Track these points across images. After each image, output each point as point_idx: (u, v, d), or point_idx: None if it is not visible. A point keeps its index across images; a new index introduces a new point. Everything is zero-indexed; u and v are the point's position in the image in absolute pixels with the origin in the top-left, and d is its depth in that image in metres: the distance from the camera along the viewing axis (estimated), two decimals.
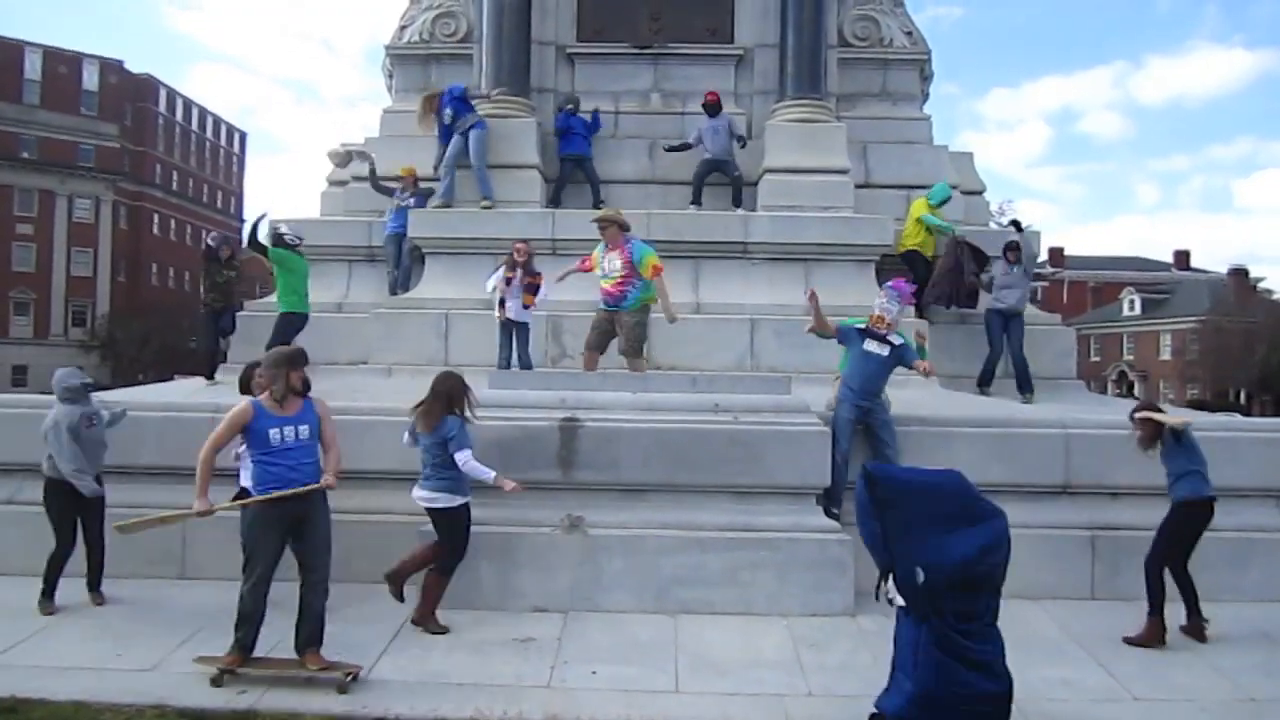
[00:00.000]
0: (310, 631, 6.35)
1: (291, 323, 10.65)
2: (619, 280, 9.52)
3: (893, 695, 5.48)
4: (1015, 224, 11.87)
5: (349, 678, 6.13)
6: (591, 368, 9.67)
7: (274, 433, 6.23)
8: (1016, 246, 11.49)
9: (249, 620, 6.28)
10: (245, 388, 8.18)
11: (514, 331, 10.38)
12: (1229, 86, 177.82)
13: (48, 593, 7.57)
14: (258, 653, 6.39)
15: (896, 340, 8.68)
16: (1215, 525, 8.18)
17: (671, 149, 12.93)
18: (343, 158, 13.99)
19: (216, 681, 6.11)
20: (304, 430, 6.33)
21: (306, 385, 6.46)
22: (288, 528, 6.31)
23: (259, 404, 6.33)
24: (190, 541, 8.49)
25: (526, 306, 10.34)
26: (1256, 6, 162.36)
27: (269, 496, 6.24)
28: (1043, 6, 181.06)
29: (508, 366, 10.32)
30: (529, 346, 10.53)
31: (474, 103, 12.67)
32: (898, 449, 8.40)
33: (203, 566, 8.30)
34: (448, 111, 12.48)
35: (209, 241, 11.96)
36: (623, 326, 9.58)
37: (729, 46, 13.94)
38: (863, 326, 8.71)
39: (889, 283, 9.11)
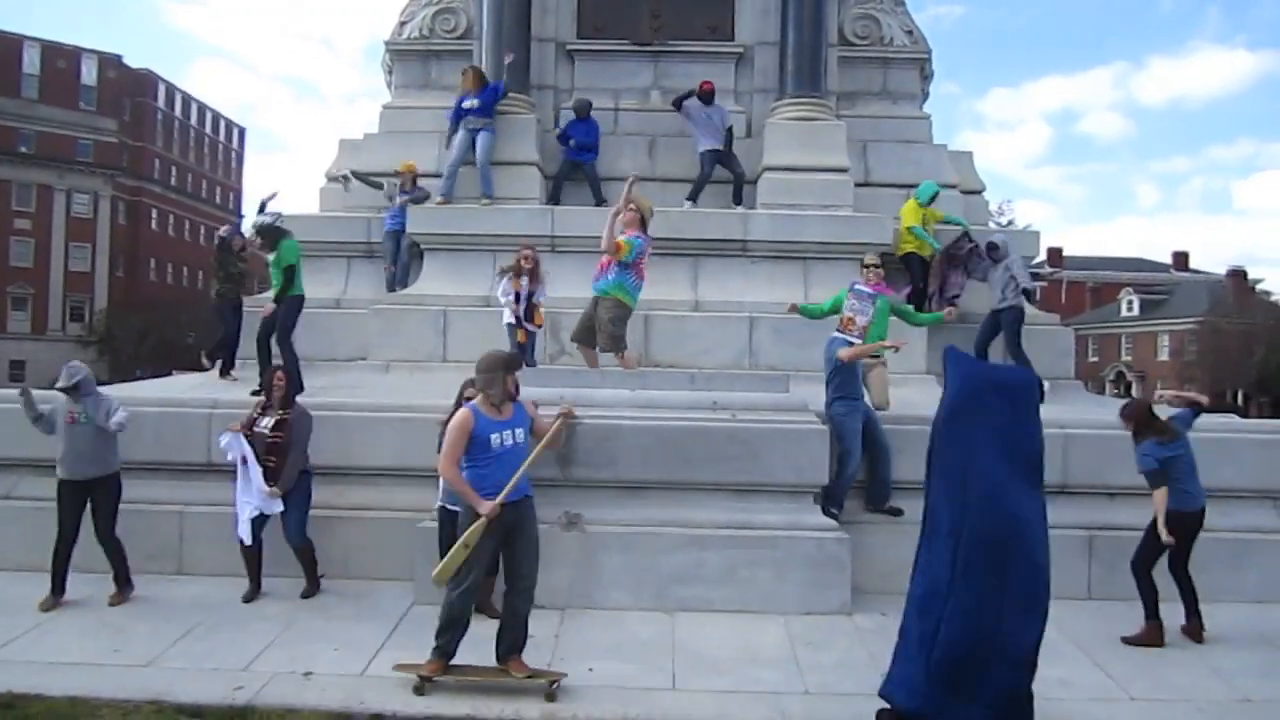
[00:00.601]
0: (515, 638, 6.25)
1: (298, 308, 10.46)
2: (604, 264, 9.44)
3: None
4: (991, 245, 11.80)
5: (554, 685, 6.06)
6: (592, 364, 9.65)
7: (494, 438, 6.10)
8: (994, 245, 11.49)
9: (454, 627, 6.19)
10: (269, 389, 8.16)
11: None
12: (1230, 88, 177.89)
13: (55, 587, 7.55)
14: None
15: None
16: (1213, 526, 8.20)
17: (678, 100, 12.80)
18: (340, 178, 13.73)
19: (419, 690, 6.01)
20: (519, 433, 6.24)
21: (517, 388, 6.40)
22: (503, 535, 6.19)
23: (477, 409, 6.17)
24: (187, 537, 8.49)
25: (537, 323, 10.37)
26: (1258, 8, 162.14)
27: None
28: (1044, 6, 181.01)
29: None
30: (534, 351, 10.52)
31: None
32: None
33: (200, 562, 8.31)
34: (474, 101, 12.45)
35: (221, 233, 11.71)
36: (599, 322, 9.40)
37: (729, 44, 13.92)
38: (855, 339, 8.74)
39: (856, 283, 9.11)
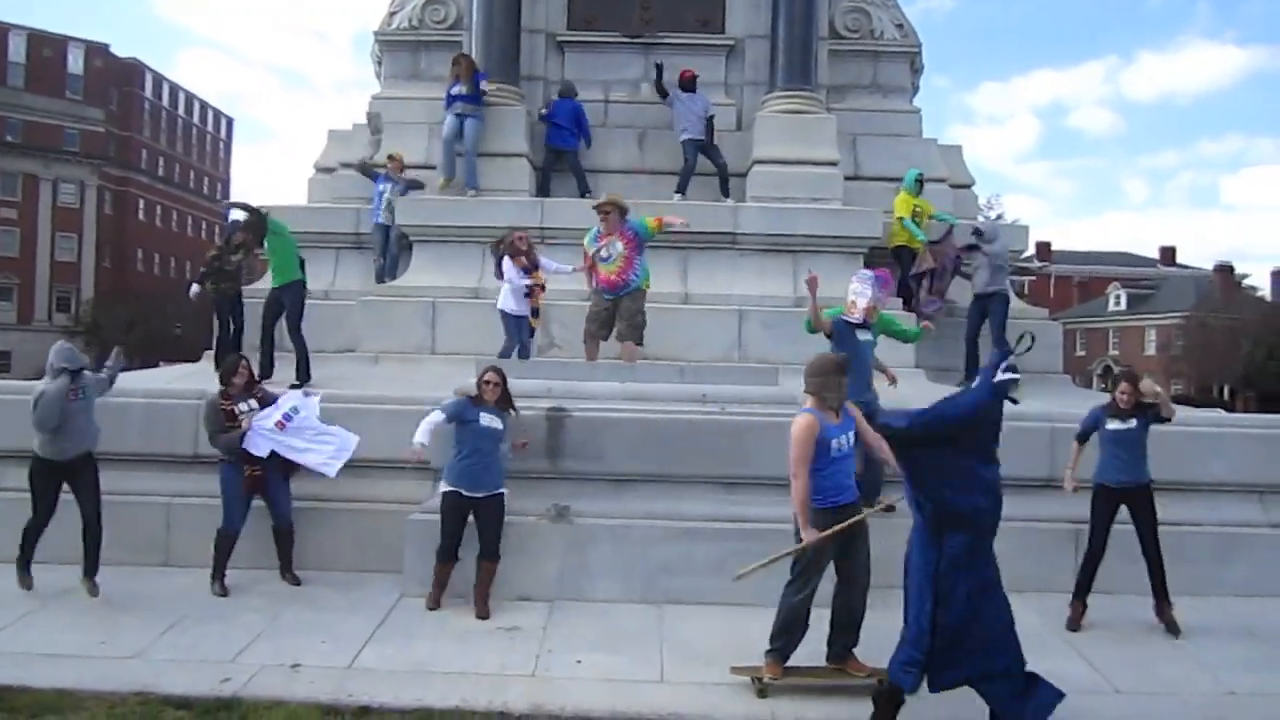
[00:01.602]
0: (852, 638, 6.22)
1: (304, 293, 10.46)
2: (621, 267, 9.47)
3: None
4: (975, 230, 11.84)
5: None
6: (594, 358, 9.64)
7: (835, 442, 6.10)
8: (980, 231, 11.55)
9: (793, 629, 6.14)
10: (226, 380, 8.12)
11: (519, 322, 10.29)
12: (1220, 83, 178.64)
13: (23, 565, 7.53)
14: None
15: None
16: (1200, 520, 8.28)
17: (659, 81, 12.88)
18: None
19: (762, 693, 6.00)
20: (850, 437, 6.24)
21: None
22: (842, 536, 6.11)
23: (818, 413, 6.13)
24: (174, 529, 8.45)
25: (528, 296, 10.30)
26: (1248, 3, 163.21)
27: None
28: (1035, 1, 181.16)
29: (525, 355, 10.25)
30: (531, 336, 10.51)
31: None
32: None
33: (187, 555, 8.25)
34: (464, 88, 12.34)
35: (227, 229, 11.63)
36: (624, 313, 9.55)
37: (720, 37, 13.91)
38: (857, 320, 8.63)
39: (864, 270, 9.08)
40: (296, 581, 7.98)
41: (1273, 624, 7.54)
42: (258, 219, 10.33)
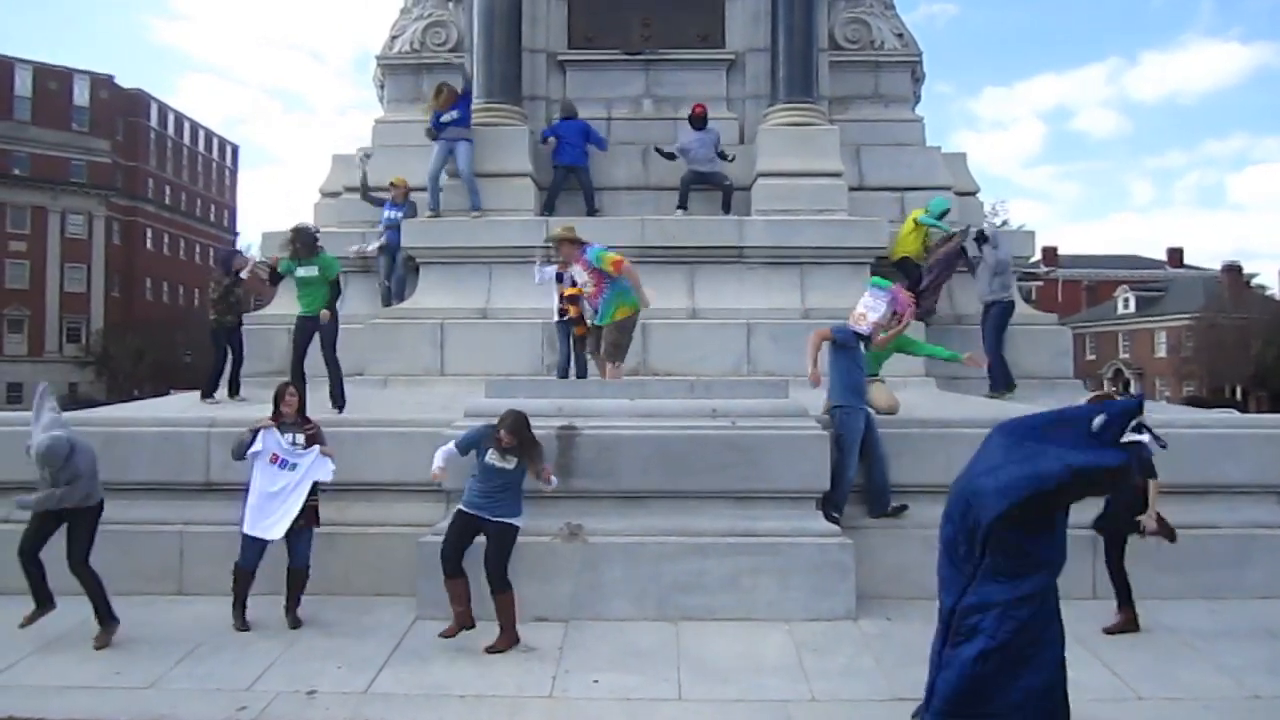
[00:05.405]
0: None
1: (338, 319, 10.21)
2: (593, 292, 9.48)
3: None
4: (979, 234, 11.79)
5: None
6: (604, 374, 9.64)
7: None
8: (983, 235, 11.56)
9: None
10: (278, 404, 7.86)
11: (563, 328, 10.31)
12: (1224, 81, 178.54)
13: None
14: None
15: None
16: (1215, 522, 8.22)
17: (662, 152, 12.91)
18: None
19: None
20: None
21: None
22: None
23: None
24: (188, 558, 8.44)
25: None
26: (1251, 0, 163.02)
27: None
28: (1037, 4, 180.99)
29: (568, 365, 10.29)
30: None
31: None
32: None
33: (201, 583, 8.24)
34: (454, 114, 12.40)
35: (223, 257, 11.40)
36: (605, 329, 9.49)
37: (720, 51, 13.95)
38: (865, 331, 8.76)
39: (879, 288, 9.13)
40: (298, 624, 7.58)
41: None
42: (313, 239, 10.05)
